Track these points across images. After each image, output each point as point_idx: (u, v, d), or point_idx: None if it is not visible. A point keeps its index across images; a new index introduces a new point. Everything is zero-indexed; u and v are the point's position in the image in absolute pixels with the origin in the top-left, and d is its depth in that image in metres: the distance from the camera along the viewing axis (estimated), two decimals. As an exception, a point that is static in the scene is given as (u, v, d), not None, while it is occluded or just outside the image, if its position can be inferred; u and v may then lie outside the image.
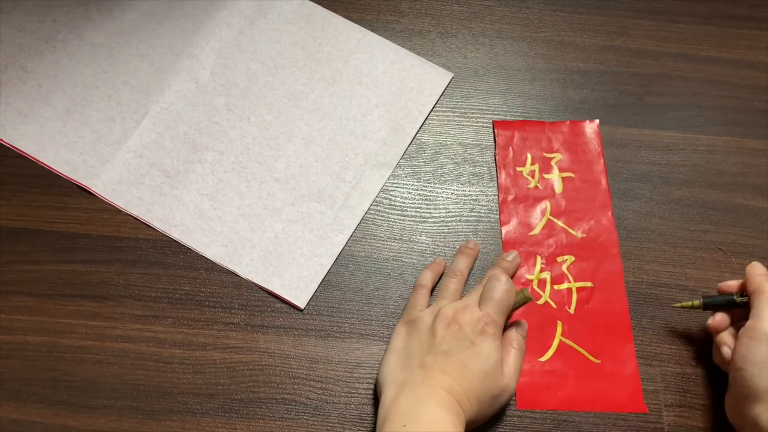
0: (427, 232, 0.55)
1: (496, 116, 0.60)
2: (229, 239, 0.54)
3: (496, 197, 0.57)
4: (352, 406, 0.49)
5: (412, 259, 0.54)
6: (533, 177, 0.57)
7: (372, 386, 0.50)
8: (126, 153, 0.56)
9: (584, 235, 0.55)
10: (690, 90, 0.62)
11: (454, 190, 0.57)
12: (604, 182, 0.57)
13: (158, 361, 0.50)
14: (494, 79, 0.61)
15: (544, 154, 0.58)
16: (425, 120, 0.59)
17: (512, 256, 0.53)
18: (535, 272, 0.54)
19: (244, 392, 0.49)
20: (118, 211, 0.54)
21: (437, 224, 0.56)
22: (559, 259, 0.54)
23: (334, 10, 0.63)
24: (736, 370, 0.45)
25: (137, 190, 0.55)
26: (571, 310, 0.53)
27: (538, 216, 0.56)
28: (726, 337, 0.48)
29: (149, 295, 0.52)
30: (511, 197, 0.56)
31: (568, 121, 0.59)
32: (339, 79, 0.60)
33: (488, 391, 0.44)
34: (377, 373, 0.48)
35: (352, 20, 0.63)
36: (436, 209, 0.56)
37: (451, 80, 0.61)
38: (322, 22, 0.62)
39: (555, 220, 0.56)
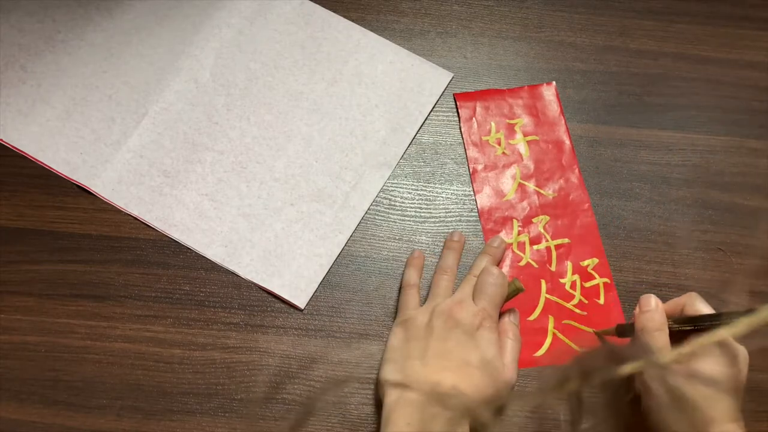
0: (427, 232, 0.55)
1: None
2: (229, 239, 0.54)
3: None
4: (352, 406, 0.49)
5: (412, 259, 0.54)
6: (499, 144, 0.58)
7: (372, 386, 0.50)
8: (126, 153, 0.56)
9: (555, 195, 0.57)
10: (690, 90, 0.62)
11: (454, 190, 0.57)
12: (567, 142, 0.58)
13: (158, 361, 0.50)
14: (494, 79, 0.61)
15: (507, 120, 0.59)
16: (425, 120, 0.59)
17: (498, 241, 0.53)
18: (513, 235, 0.55)
19: (244, 392, 0.49)
20: (118, 211, 0.54)
21: (437, 224, 0.56)
22: (534, 220, 0.56)
23: (334, 10, 0.63)
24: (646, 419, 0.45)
25: (137, 190, 0.55)
26: (552, 267, 0.54)
27: (509, 181, 0.57)
28: None
29: (149, 295, 0.52)
30: (480, 167, 0.58)
31: (526, 87, 0.61)
32: (339, 79, 0.60)
33: (490, 384, 0.44)
34: (377, 374, 0.48)
35: (352, 20, 0.63)
36: (436, 209, 0.56)
37: (451, 80, 0.61)
38: (322, 22, 0.62)
39: (526, 183, 0.57)
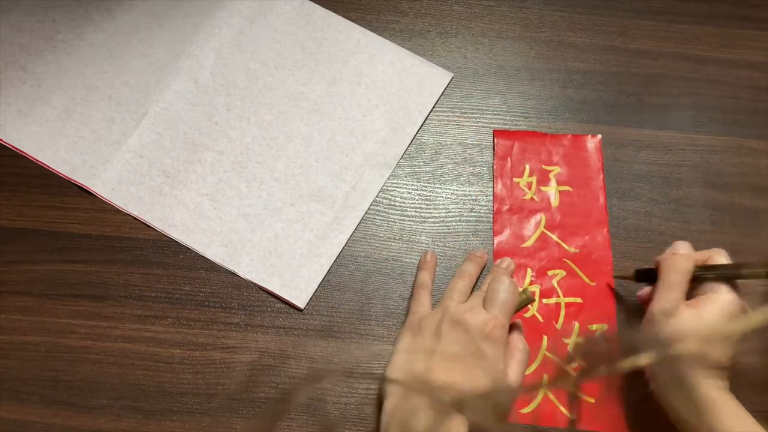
0: (427, 232, 0.55)
1: (496, 116, 0.60)
2: (229, 239, 0.54)
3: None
4: (352, 406, 0.49)
5: (412, 259, 0.54)
6: (530, 188, 0.57)
7: (372, 386, 0.50)
8: (126, 153, 0.56)
9: (577, 251, 0.55)
10: (690, 90, 0.62)
11: (454, 190, 0.57)
12: (602, 198, 0.56)
13: (158, 361, 0.50)
14: (494, 79, 0.61)
15: (543, 166, 0.57)
16: (425, 120, 0.59)
17: (506, 263, 0.52)
18: (524, 285, 0.53)
19: (244, 392, 0.49)
20: (118, 211, 0.54)
21: (437, 224, 0.56)
22: (549, 273, 0.54)
23: (334, 10, 0.63)
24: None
25: (137, 190, 0.55)
26: (558, 326, 0.52)
27: (532, 228, 0.55)
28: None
29: (149, 295, 0.52)
30: (506, 208, 0.56)
31: (569, 135, 0.59)
32: (339, 79, 0.60)
33: (493, 395, 0.44)
34: (383, 373, 0.48)
35: (352, 20, 0.63)
36: (436, 209, 0.56)
37: (451, 80, 0.61)
38: (322, 22, 0.62)
39: (549, 234, 0.55)
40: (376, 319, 0.52)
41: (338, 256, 0.54)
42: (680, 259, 0.47)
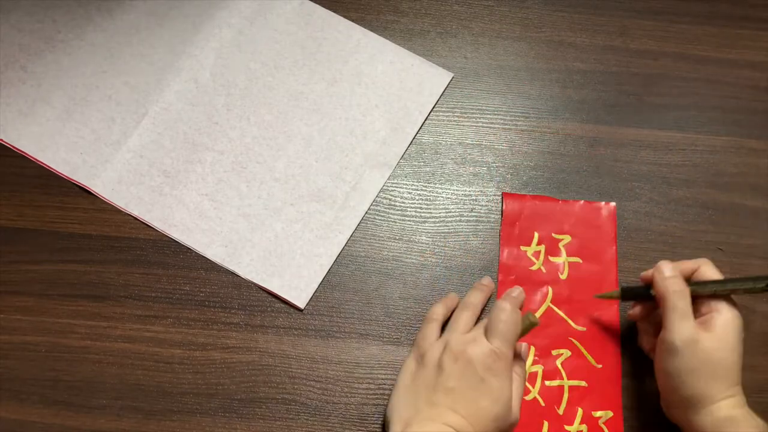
0: (427, 232, 0.55)
1: (496, 116, 0.60)
2: (229, 239, 0.54)
3: (496, 197, 0.57)
4: (352, 406, 0.49)
5: (412, 259, 0.54)
6: (538, 258, 0.54)
7: (372, 387, 0.50)
8: (126, 153, 0.56)
9: (584, 329, 0.52)
10: (690, 90, 0.62)
11: (454, 190, 0.57)
12: (613, 272, 0.53)
13: (158, 361, 0.50)
14: (494, 79, 0.61)
15: (553, 234, 0.54)
16: (425, 120, 0.59)
17: (517, 291, 0.49)
18: (526, 364, 0.49)
19: (244, 392, 0.49)
20: (118, 211, 0.54)
21: (437, 224, 0.56)
22: (554, 353, 0.51)
23: (334, 10, 0.63)
24: (660, 381, 0.47)
25: (137, 190, 0.55)
26: (560, 411, 0.49)
27: (538, 301, 0.52)
28: (646, 326, 0.50)
29: (149, 295, 0.52)
30: (511, 278, 0.53)
31: (582, 201, 0.56)
32: (339, 79, 0.60)
33: (497, 427, 0.43)
34: (386, 407, 0.47)
35: (352, 20, 0.63)
36: (436, 209, 0.56)
37: (451, 80, 0.61)
38: (322, 22, 0.62)
39: (555, 309, 0.52)
40: (376, 319, 0.52)
41: (338, 256, 0.54)
42: (678, 281, 0.46)
